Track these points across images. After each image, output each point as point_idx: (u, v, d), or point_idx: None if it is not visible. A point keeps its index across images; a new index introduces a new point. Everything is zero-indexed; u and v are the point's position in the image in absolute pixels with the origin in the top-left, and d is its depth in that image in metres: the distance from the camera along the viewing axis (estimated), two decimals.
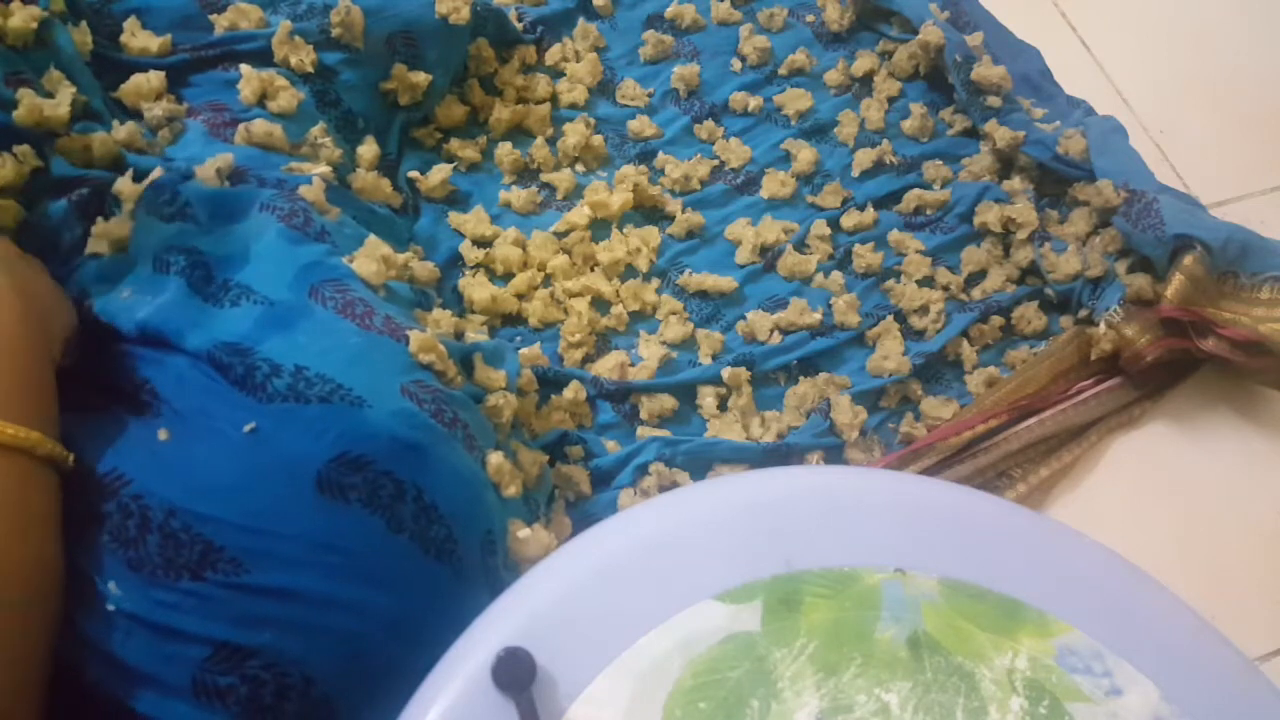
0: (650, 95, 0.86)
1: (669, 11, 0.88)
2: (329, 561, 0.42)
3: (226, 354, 0.45)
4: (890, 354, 0.75)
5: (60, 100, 0.56)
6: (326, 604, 0.42)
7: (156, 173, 0.54)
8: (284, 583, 0.41)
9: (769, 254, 0.79)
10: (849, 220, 0.81)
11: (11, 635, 0.37)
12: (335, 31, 0.70)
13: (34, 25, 0.58)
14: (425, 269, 0.69)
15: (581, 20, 0.86)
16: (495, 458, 0.55)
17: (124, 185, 0.54)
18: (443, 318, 0.63)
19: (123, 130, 0.58)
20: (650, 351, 0.73)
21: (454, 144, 0.79)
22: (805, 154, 0.83)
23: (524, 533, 0.53)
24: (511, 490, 0.56)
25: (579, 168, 0.82)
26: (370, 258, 0.58)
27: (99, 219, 0.53)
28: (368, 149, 0.73)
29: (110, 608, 0.40)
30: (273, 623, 0.41)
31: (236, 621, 0.41)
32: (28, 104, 0.55)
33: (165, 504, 0.41)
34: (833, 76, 0.88)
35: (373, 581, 0.43)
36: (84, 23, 0.63)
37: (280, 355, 0.45)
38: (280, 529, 0.42)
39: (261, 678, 0.40)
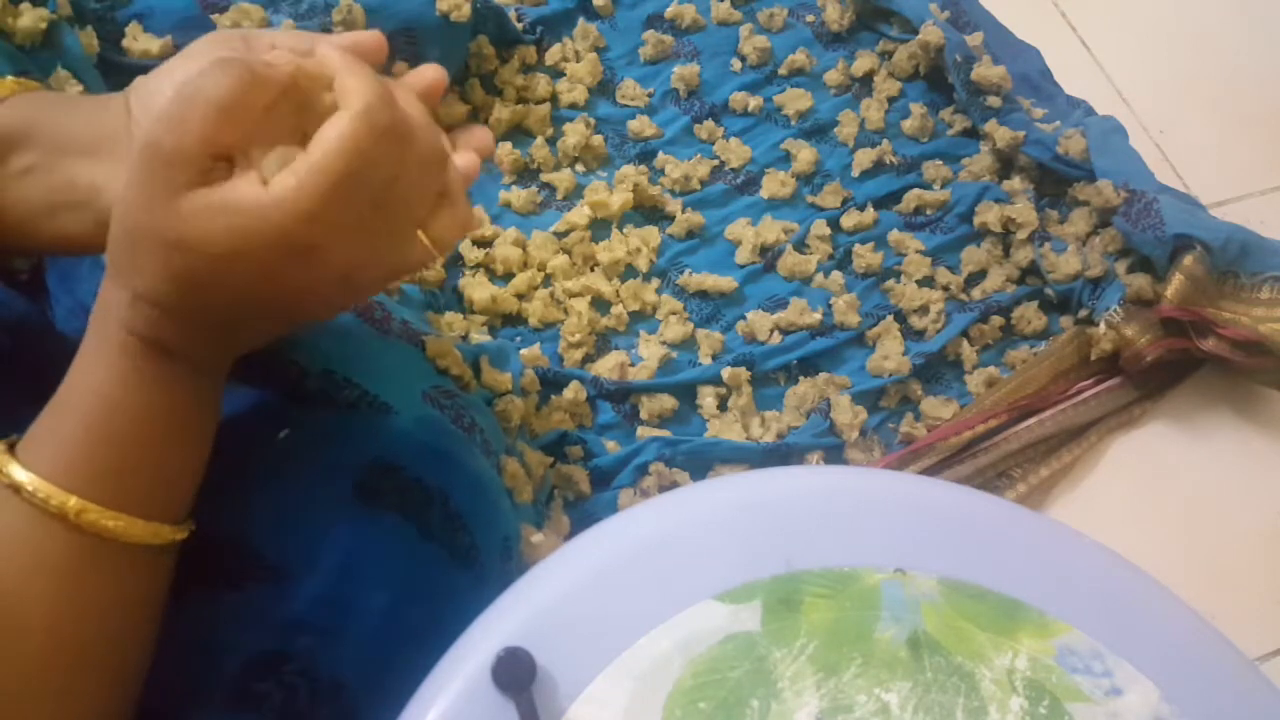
0: (650, 95, 0.86)
1: (669, 11, 0.88)
2: (364, 567, 0.42)
3: (257, 355, 0.45)
4: (890, 354, 0.75)
5: None
6: (360, 609, 0.42)
7: None
8: (321, 589, 0.41)
9: (769, 254, 0.79)
10: (849, 220, 0.81)
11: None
12: (337, 30, 0.70)
13: (43, 25, 0.58)
14: (433, 270, 0.69)
15: (581, 20, 0.86)
16: (511, 464, 0.55)
17: None
18: (455, 320, 0.63)
19: None
20: (650, 351, 0.73)
21: None
22: (805, 154, 0.83)
23: (537, 538, 0.53)
24: (525, 496, 0.56)
25: (579, 168, 0.82)
26: None
27: None
28: None
29: None
30: (309, 629, 0.41)
31: (274, 629, 0.40)
32: None
33: (204, 513, 0.41)
34: (833, 76, 0.88)
35: (404, 587, 0.43)
36: (89, 27, 0.63)
37: (308, 358, 0.45)
38: (319, 535, 0.42)
39: (296, 684, 0.40)
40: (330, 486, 0.43)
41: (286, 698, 0.40)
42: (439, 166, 0.36)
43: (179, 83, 0.31)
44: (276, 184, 0.31)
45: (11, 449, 0.34)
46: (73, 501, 0.33)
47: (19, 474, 0.33)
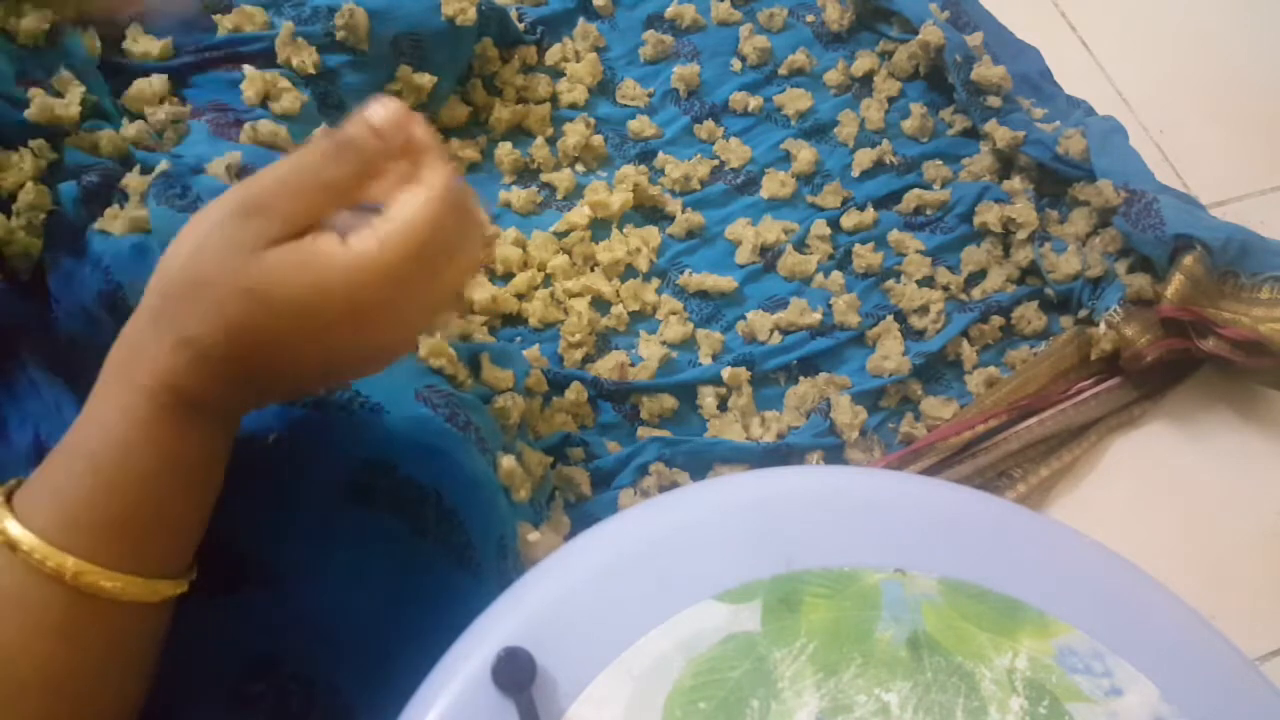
0: (650, 95, 0.86)
1: (669, 11, 0.88)
2: (357, 568, 0.42)
3: None
4: (890, 354, 0.75)
5: (70, 100, 0.57)
6: (354, 611, 0.42)
7: (164, 165, 0.54)
8: (314, 591, 0.41)
9: (769, 254, 0.79)
10: (849, 220, 0.81)
11: None
12: (339, 34, 0.70)
13: (45, 26, 0.59)
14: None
15: (581, 20, 0.86)
16: (507, 461, 0.55)
17: (132, 179, 0.54)
18: (449, 319, 0.64)
19: (131, 128, 0.59)
20: (650, 351, 0.73)
21: (454, 144, 0.80)
22: (805, 154, 0.83)
23: (534, 536, 0.53)
24: (522, 494, 0.56)
25: (579, 168, 0.82)
26: None
27: (114, 206, 0.53)
28: None
29: None
30: (302, 631, 0.41)
31: (268, 632, 0.40)
32: (39, 103, 0.55)
33: None
34: (833, 76, 0.88)
35: (398, 588, 0.43)
36: (91, 28, 0.63)
37: None
38: (311, 537, 0.42)
39: (290, 686, 0.40)
40: (321, 488, 0.43)
41: (281, 700, 0.40)
42: (484, 241, 0.38)
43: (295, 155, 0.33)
44: (358, 243, 0.32)
45: (9, 498, 0.33)
46: (70, 562, 0.32)
47: (15, 530, 0.32)
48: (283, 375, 0.36)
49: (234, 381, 0.34)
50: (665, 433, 0.70)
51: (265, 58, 0.68)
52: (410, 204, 0.33)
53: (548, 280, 0.76)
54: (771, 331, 0.76)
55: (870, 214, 0.81)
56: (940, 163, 0.85)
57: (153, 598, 0.34)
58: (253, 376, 0.35)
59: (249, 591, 0.41)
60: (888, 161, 0.85)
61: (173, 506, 0.35)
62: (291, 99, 0.66)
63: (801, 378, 0.74)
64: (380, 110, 0.34)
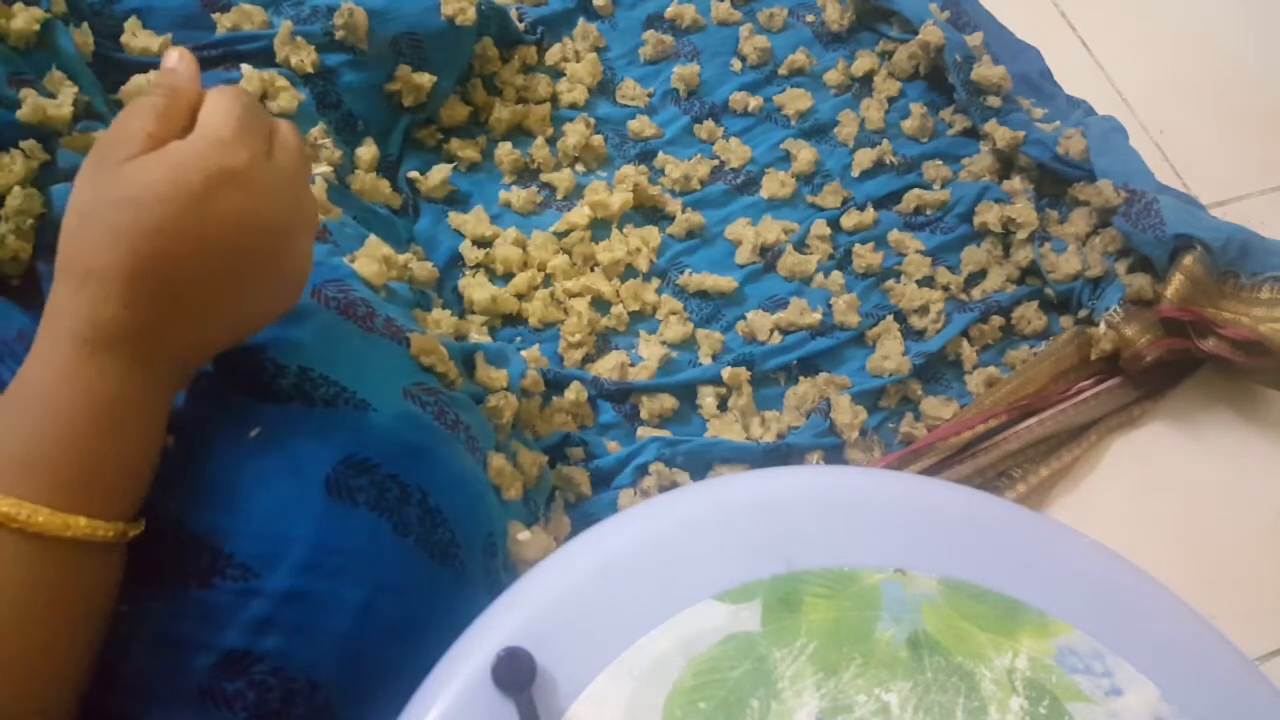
0: (650, 95, 0.86)
1: (669, 11, 0.88)
2: (336, 565, 0.42)
3: (233, 352, 0.45)
4: (890, 354, 0.75)
5: (63, 100, 0.57)
6: (333, 608, 0.42)
7: None
8: (292, 587, 0.41)
9: (769, 254, 0.79)
10: (849, 220, 0.81)
11: None
12: (339, 34, 0.70)
13: (36, 27, 0.58)
14: (425, 269, 0.69)
15: (581, 20, 0.86)
16: (496, 460, 0.55)
17: None
18: (443, 318, 0.64)
19: None
20: (650, 351, 0.73)
21: (454, 144, 0.80)
22: (805, 154, 0.83)
23: (524, 535, 0.53)
24: (512, 493, 0.55)
25: (579, 168, 0.82)
26: (371, 258, 0.58)
27: None
28: (366, 150, 0.73)
29: (121, 628, 0.40)
30: (280, 627, 0.41)
31: (244, 627, 0.40)
32: (31, 104, 0.55)
33: (173, 513, 0.41)
34: (833, 76, 0.88)
35: (379, 585, 0.43)
36: (85, 24, 0.63)
37: (285, 356, 0.45)
38: (289, 533, 0.42)
39: (268, 683, 0.40)
40: (301, 483, 0.43)
41: (259, 697, 0.40)
42: (299, 140, 0.43)
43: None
44: (192, 131, 0.38)
45: None
46: None
47: None
48: (195, 286, 0.37)
49: (148, 303, 0.36)
50: (665, 433, 0.70)
51: (264, 56, 0.68)
52: (211, 98, 0.39)
53: (548, 280, 0.76)
54: (771, 331, 0.76)
55: (870, 214, 0.81)
56: (940, 163, 0.85)
57: (64, 532, 0.35)
58: (165, 292, 0.37)
59: (223, 587, 0.40)
60: (888, 161, 0.85)
61: (91, 442, 0.36)
62: (289, 98, 0.66)
63: (801, 378, 0.74)
64: (173, 53, 0.41)
